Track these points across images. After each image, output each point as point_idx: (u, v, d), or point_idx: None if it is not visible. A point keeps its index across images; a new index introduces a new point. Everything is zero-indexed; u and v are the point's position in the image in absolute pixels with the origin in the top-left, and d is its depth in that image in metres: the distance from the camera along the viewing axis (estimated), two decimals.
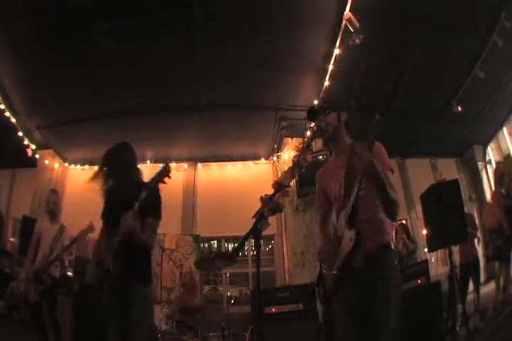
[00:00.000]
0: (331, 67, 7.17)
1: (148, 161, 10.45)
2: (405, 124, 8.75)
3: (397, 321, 2.41)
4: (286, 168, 2.61)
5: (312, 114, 2.83)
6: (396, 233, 7.39)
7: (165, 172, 3.16)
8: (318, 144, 7.79)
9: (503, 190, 6.19)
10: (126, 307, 3.04)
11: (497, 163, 8.36)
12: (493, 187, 6.83)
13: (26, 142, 9.48)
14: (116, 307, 3.05)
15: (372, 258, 2.49)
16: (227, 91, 8.23)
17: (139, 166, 3.55)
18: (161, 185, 3.27)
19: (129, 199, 3.11)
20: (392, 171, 2.63)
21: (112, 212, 3.30)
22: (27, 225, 7.50)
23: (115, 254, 3.09)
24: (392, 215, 2.59)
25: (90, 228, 5.24)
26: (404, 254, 7.09)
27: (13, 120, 8.59)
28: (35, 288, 5.18)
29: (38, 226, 5.71)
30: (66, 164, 11.06)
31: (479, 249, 7.11)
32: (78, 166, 11.05)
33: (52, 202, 5.76)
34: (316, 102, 2.92)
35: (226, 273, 6.95)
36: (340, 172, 2.70)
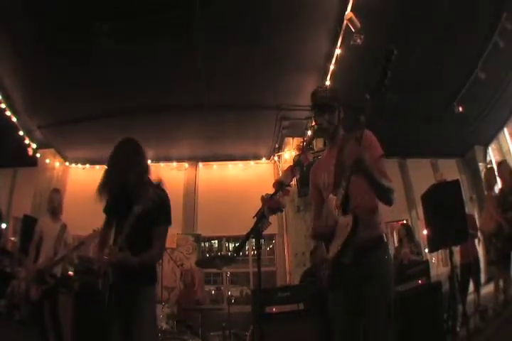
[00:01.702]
0: (332, 67, 7.18)
1: (150, 160, 10.44)
2: (406, 124, 8.76)
3: (391, 317, 2.41)
4: (287, 168, 2.59)
5: (319, 108, 2.78)
6: (398, 234, 7.34)
7: None
8: (319, 144, 7.80)
9: (496, 191, 6.20)
10: (130, 308, 3.04)
11: (498, 163, 8.34)
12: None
13: (27, 141, 9.50)
14: (119, 308, 3.05)
15: (364, 251, 2.45)
16: (228, 91, 8.23)
17: (143, 164, 3.42)
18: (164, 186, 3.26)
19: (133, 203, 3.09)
20: (382, 156, 2.60)
21: (118, 209, 3.28)
22: (28, 224, 7.52)
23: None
24: (387, 201, 2.56)
25: (95, 233, 5.23)
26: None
27: (14, 119, 8.61)
28: (37, 287, 5.19)
29: (40, 225, 5.72)
30: (67, 163, 11.07)
31: (480, 250, 7.10)
32: (79, 165, 11.08)
33: (55, 201, 5.77)
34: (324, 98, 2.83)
35: (227, 273, 6.95)
36: (331, 162, 2.69)
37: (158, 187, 3.28)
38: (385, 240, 2.61)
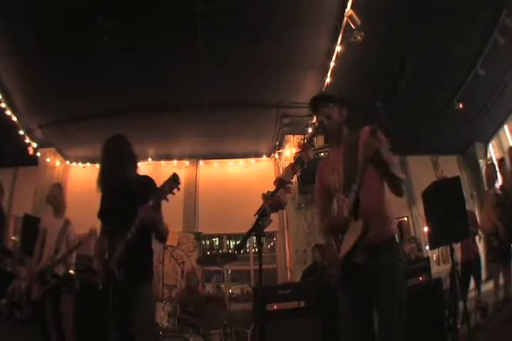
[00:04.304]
0: (332, 64, 7.18)
1: (150, 159, 10.47)
2: (406, 122, 8.75)
3: (403, 315, 2.42)
4: (288, 165, 2.60)
5: (316, 103, 2.81)
6: (400, 231, 7.36)
7: (175, 184, 3.08)
8: (319, 141, 7.80)
9: (498, 191, 6.19)
10: (129, 306, 3.04)
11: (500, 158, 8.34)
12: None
13: (27, 140, 9.50)
14: (118, 306, 3.05)
15: (376, 251, 2.47)
16: (229, 89, 8.23)
17: (134, 160, 3.45)
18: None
19: (131, 199, 3.11)
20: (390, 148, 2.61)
21: (112, 212, 3.30)
22: (29, 223, 7.51)
23: (119, 254, 3.09)
24: (398, 191, 2.55)
25: (92, 232, 5.23)
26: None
27: (14, 119, 8.60)
28: (38, 287, 5.18)
29: (43, 221, 5.68)
30: (67, 162, 11.09)
31: (480, 247, 7.11)
32: (80, 164, 11.09)
33: (58, 195, 5.72)
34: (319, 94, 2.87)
35: (228, 271, 6.95)
36: (339, 163, 2.69)
37: (144, 177, 3.33)
38: (397, 240, 2.62)
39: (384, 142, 2.57)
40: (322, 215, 2.88)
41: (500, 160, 6.91)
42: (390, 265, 2.51)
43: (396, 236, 2.62)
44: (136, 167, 3.43)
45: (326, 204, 2.85)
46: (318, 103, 2.79)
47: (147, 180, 3.36)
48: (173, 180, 3.03)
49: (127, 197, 3.15)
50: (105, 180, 3.33)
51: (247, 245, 10.40)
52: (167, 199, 3.04)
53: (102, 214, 3.43)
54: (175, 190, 3.02)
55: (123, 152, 3.39)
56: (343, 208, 2.56)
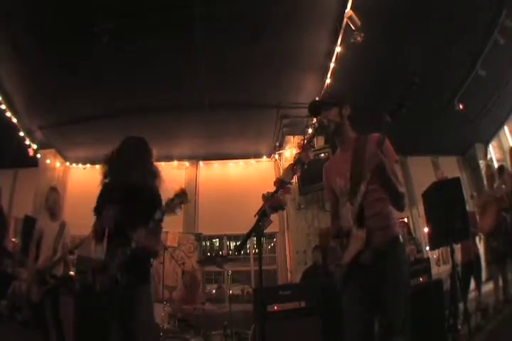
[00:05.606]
0: (332, 65, 7.18)
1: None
2: (406, 122, 8.74)
3: (408, 316, 2.42)
4: (288, 166, 2.60)
5: (314, 109, 2.82)
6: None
7: (183, 201, 3.15)
8: (319, 142, 7.80)
9: (496, 191, 6.18)
10: (128, 307, 3.04)
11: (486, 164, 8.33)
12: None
13: (28, 142, 9.48)
14: (118, 307, 3.05)
15: (381, 252, 2.47)
16: (229, 89, 8.22)
17: (148, 166, 3.51)
18: (162, 185, 3.27)
19: (133, 203, 3.11)
20: (397, 161, 2.64)
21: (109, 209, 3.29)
22: (29, 225, 7.49)
23: (115, 255, 3.10)
24: (399, 207, 2.60)
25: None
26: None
27: (15, 120, 8.60)
28: (38, 288, 5.18)
29: (39, 224, 5.70)
30: (68, 163, 11.07)
31: (480, 248, 7.10)
32: (80, 165, 11.08)
33: (52, 200, 5.75)
34: (317, 98, 2.89)
35: (228, 272, 6.94)
36: (346, 166, 2.70)
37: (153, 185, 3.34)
38: (402, 240, 2.62)
39: (391, 155, 2.61)
40: (333, 216, 2.91)
41: (500, 168, 6.82)
42: (395, 266, 2.52)
43: (400, 237, 2.63)
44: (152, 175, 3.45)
45: (334, 205, 2.89)
46: (316, 109, 2.80)
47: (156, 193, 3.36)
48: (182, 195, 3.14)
49: (139, 202, 3.16)
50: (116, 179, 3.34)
51: (248, 246, 10.40)
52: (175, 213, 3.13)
53: (99, 210, 3.41)
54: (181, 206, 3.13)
55: (133, 158, 3.41)
56: (348, 214, 2.58)
